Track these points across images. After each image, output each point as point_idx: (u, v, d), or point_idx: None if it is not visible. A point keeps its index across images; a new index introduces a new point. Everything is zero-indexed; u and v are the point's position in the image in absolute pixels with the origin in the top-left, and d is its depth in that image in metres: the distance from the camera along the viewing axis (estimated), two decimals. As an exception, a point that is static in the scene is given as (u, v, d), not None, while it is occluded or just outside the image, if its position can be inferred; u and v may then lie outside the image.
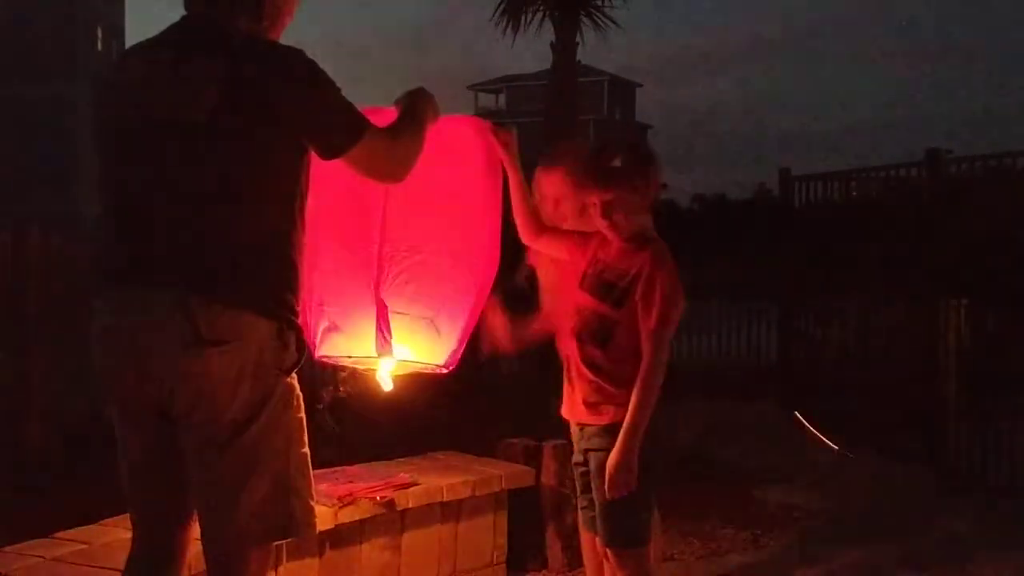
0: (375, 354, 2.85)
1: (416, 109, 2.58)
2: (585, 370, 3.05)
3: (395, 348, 2.86)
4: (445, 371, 2.97)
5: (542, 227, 3.28)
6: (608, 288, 3.02)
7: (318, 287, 2.84)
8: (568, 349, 3.14)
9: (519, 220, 3.27)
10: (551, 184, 3.37)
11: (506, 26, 12.13)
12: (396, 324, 2.85)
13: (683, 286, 2.99)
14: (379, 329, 2.83)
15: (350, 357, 2.96)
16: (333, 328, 2.89)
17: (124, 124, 2.32)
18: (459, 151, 2.98)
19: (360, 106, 2.43)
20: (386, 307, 2.83)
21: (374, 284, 2.84)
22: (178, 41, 2.33)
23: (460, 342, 2.94)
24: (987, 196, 6.90)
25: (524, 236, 3.31)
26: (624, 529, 3.02)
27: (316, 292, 2.85)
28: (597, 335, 3.03)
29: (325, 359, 2.98)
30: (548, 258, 3.39)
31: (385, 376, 2.90)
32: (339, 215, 2.86)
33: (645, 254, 2.98)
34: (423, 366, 2.95)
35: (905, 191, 7.30)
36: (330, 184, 2.64)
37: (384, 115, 2.58)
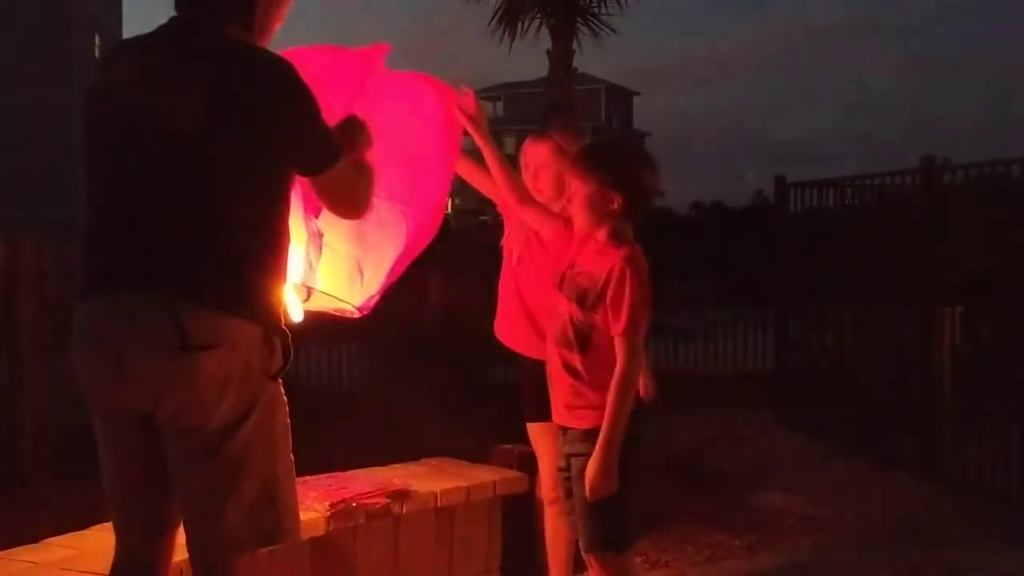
0: (298, 280, 2.78)
1: (359, 154, 2.52)
2: (565, 374, 3.02)
3: (317, 279, 2.80)
4: (358, 315, 2.92)
5: (529, 197, 3.31)
6: (583, 293, 2.99)
7: None
8: (548, 353, 3.12)
9: (504, 186, 3.32)
10: (535, 154, 3.44)
11: (503, 33, 12.13)
12: (322, 256, 2.79)
13: (652, 292, 2.94)
14: (307, 257, 2.76)
15: None
16: None
17: (110, 127, 2.30)
18: (417, 105, 2.98)
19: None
20: (321, 236, 2.76)
21: (310, 212, 2.76)
22: (166, 45, 2.31)
23: (380, 290, 2.92)
24: (982, 204, 6.90)
25: (510, 202, 3.36)
26: (604, 534, 2.99)
27: None
28: (575, 340, 2.99)
29: None
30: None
31: (297, 305, 2.79)
32: None
33: (616, 258, 2.94)
34: (337, 302, 2.89)
35: (900, 198, 7.30)
36: None
37: (334, 53, 2.56)
